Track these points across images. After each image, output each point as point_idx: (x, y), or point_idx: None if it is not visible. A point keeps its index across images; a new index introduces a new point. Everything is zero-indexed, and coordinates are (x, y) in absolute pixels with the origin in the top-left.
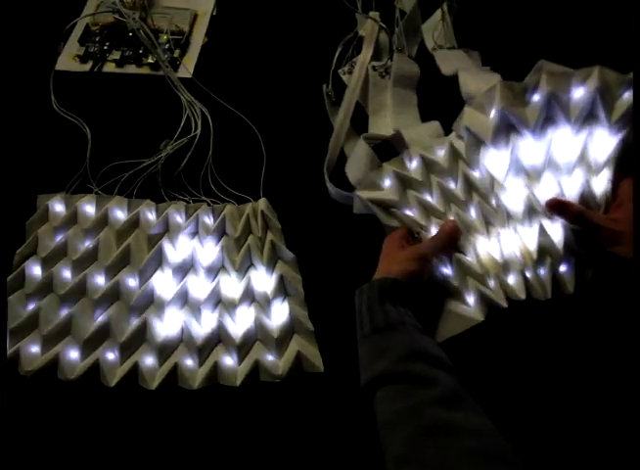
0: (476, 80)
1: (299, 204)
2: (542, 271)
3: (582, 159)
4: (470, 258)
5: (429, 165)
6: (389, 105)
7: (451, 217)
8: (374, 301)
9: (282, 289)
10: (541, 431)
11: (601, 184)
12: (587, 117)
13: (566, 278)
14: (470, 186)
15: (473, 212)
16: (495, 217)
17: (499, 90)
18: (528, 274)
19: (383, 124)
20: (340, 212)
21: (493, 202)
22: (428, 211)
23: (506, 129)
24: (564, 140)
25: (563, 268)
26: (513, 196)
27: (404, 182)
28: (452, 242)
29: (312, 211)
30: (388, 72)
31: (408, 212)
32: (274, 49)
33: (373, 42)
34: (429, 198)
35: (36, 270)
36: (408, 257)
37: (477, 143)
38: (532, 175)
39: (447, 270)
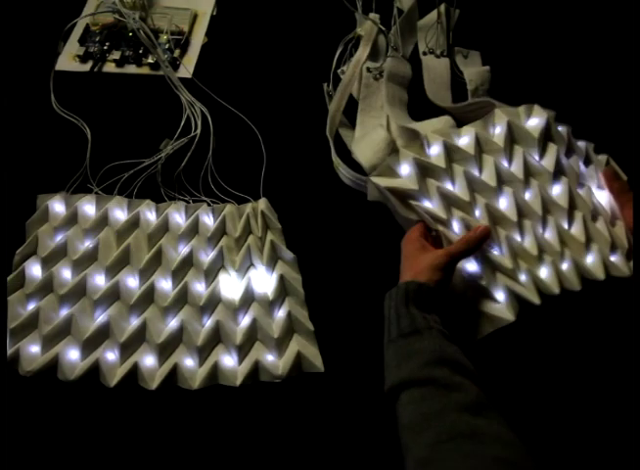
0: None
1: (299, 204)
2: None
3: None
4: (498, 253)
5: (451, 152)
6: (383, 100)
7: (478, 211)
8: (400, 305)
9: (282, 289)
10: (559, 436)
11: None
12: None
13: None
14: (500, 175)
15: (504, 203)
16: (529, 208)
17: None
18: (565, 265)
19: (370, 124)
20: (340, 213)
21: (527, 194)
22: (450, 202)
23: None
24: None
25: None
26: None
27: (424, 170)
28: (481, 245)
29: (312, 211)
30: (382, 75)
31: (427, 204)
32: (274, 49)
33: (371, 42)
34: (451, 188)
35: (36, 270)
36: (434, 264)
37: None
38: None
39: (472, 266)
